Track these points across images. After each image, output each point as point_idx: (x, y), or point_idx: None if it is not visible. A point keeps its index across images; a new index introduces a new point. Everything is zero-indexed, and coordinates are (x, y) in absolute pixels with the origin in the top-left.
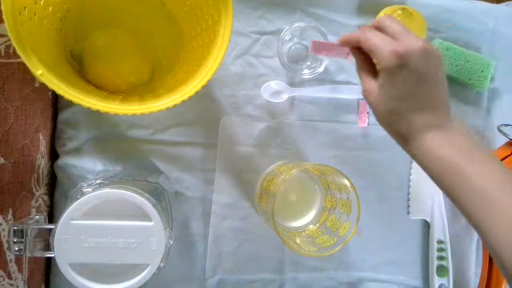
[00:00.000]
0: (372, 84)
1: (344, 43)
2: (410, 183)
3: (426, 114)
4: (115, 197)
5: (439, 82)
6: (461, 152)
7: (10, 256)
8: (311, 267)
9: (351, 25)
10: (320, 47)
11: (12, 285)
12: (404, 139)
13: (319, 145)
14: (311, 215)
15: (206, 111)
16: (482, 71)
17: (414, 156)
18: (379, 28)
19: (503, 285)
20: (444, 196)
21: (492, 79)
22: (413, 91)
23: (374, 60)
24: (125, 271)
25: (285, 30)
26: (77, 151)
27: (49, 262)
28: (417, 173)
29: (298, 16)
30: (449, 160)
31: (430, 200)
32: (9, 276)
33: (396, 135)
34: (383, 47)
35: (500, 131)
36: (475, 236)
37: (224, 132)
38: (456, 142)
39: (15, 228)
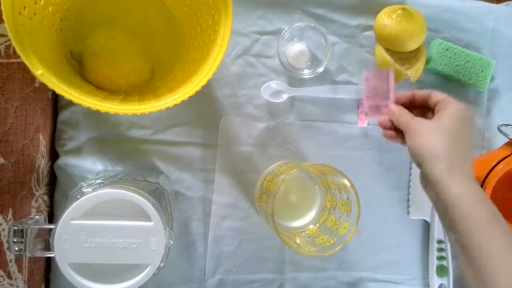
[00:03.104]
0: (425, 123)
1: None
2: (410, 183)
3: (460, 157)
4: (115, 197)
5: (472, 137)
6: (482, 214)
7: (10, 256)
8: (311, 267)
9: (351, 25)
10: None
11: (12, 285)
12: (434, 174)
13: (319, 145)
14: (311, 215)
15: (206, 111)
16: (482, 71)
17: (440, 200)
18: None
19: None
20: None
21: (492, 79)
22: (459, 134)
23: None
24: (125, 271)
25: (285, 30)
26: (77, 151)
27: (49, 262)
28: (417, 174)
29: (298, 16)
30: (473, 219)
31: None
32: (9, 276)
33: (426, 165)
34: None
35: (500, 131)
36: None
37: (224, 132)
38: (484, 197)
39: (15, 228)
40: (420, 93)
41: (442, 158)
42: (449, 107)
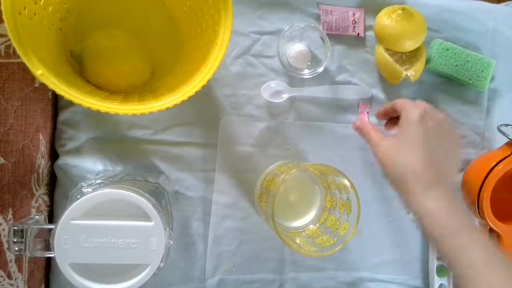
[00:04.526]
0: (387, 140)
1: (382, 115)
2: None
3: (431, 171)
4: (115, 197)
5: (449, 150)
6: (458, 216)
7: (10, 256)
8: (311, 267)
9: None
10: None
11: (12, 285)
12: (405, 190)
13: (319, 145)
14: (311, 215)
15: (206, 111)
16: (482, 71)
17: (413, 209)
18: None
19: None
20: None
21: (492, 79)
22: (424, 148)
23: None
24: (125, 271)
25: (285, 30)
26: (77, 151)
27: (49, 262)
28: None
29: (298, 16)
30: (445, 220)
31: None
32: (9, 276)
33: (399, 183)
34: (411, 107)
35: (500, 131)
36: None
37: (224, 132)
38: (454, 204)
39: (15, 228)
40: (387, 107)
41: (411, 177)
42: (407, 120)
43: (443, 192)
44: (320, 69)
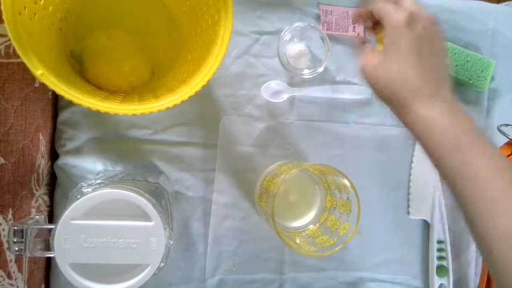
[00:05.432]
0: (374, 54)
1: (357, 17)
2: (410, 183)
3: (430, 83)
4: (115, 197)
5: (441, 56)
6: (465, 130)
7: (10, 256)
8: (311, 267)
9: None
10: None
11: (12, 285)
12: (404, 108)
13: (319, 145)
14: (311, 215)
15: (206, 111)
16: (482, 71)
17: (413, 126)
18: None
19: None
20: (444, 196)
21: (492, 79)
22: (417, 57)
23: (381, 33)
24: (125, 271)
25: (285, 30)
26: (77, 151)
27: (49, 262)
28: (417, 173)
29: (298, 16)
30: (451, 134)
31: (430, 200)
32: (9, 276)
33: (396, 103)
34: (394, 11)
35: (500, 131)
36: None
37: (224, 132)
38: (461, 117)
39: (15, 228)
40: (363, 11)
41: (411, 94)
42: (392, 28)
43: (447, 104)
44: (320, 69)
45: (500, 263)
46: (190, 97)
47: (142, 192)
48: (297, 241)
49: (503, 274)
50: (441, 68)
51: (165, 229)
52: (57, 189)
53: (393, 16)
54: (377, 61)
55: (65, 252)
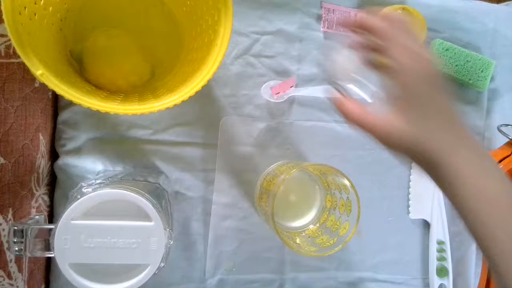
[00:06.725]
0: (385, 117)
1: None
2: (410, 183)
3: (452, 128)
4: (115, 197)
5: (445, 93)
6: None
7: (10, 256)
8: (311, 267)
9: None
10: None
11: (12, 285)
12: (435, 164)
13: (319, 145)
14: (311, 215)
15: (206, 111)
16: (482, 71)
17: (450, 184)
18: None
19: None
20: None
21: (492, 79)
22: (432, 100)
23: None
24: (125, 271)
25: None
26: (77, 151)
27: (49, 262)
28: (417, 173)
29: (299, 16)
30: (489, 195)
31: (430, 200)
32: (9, 276)
33: (425, 160)
34: (400, 52)
35: (500, 131)
36: None
37: (224, 132)
38: (490, 168)
39: (15, 228)
40: (357, 23)
41: (448, 153)
42: (405, 77)
43: (472, 150)
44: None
45: None
46: (190, 97)
47: (142, 192)
48: (297, 241)
49: None
50: (450, 106)
51: (165, 229)
52: (57, 189)
53: (401, 60)
54: (399, 118)
55: (65, 252)
